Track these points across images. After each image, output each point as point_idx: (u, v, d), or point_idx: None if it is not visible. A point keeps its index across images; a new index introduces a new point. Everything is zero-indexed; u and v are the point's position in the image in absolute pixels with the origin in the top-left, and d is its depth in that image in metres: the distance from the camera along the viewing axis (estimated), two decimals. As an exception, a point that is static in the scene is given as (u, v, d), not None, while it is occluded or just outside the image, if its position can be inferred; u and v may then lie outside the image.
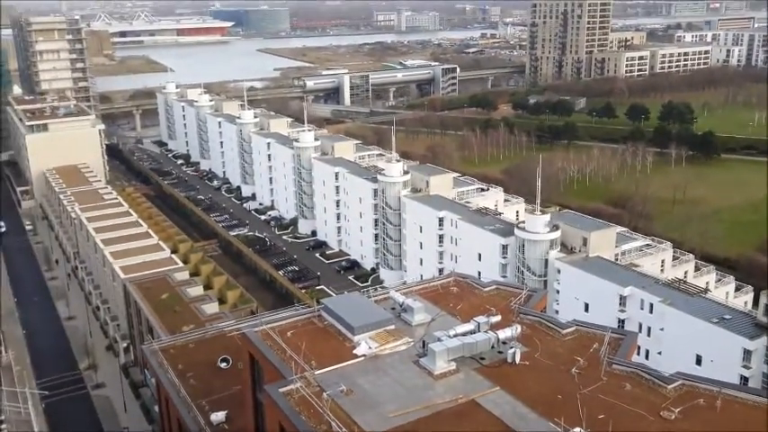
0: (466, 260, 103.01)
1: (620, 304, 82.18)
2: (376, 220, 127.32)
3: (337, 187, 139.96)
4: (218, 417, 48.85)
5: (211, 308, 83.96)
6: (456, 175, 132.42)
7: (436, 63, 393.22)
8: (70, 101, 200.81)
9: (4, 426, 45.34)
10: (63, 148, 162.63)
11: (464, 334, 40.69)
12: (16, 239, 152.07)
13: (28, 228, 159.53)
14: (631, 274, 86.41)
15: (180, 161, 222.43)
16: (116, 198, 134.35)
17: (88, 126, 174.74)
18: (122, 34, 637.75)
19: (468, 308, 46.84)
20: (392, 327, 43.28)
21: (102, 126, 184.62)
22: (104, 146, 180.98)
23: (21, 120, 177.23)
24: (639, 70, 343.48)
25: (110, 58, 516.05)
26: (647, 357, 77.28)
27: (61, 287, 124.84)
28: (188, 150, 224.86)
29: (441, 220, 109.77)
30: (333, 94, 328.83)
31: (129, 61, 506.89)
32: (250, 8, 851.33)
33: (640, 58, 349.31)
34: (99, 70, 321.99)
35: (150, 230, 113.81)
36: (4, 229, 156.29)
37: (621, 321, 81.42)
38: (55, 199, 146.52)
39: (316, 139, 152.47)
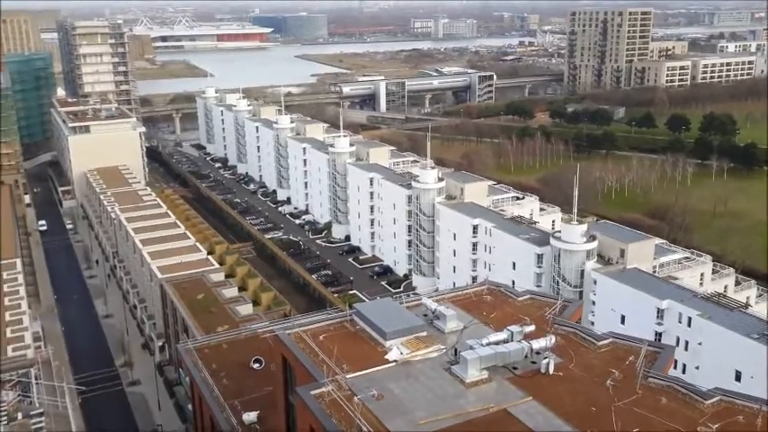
0: (500, 269, 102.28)
1: (658, 317, 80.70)
2: (410, 227, 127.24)
3: (371, 193, 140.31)
4: (249, 417, 49.25)
5: (246, 309, 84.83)
6: (491, 182, 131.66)
7: (473, 70, 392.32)
8: (112, 103, 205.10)
9: (42, 419, 46.36)
10: (104, 149, 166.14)
11: (497, 343, 40.38)
12: (57, 238, 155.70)
13: (68, 227, 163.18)
14: (669, 286, 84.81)
15: (218, 164, 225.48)
16: (155, 199, 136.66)
17: (129, 128, 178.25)
18: (163, 39, 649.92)
19: (502, 317, 46.53)
20: (424, 333, 43.20)
21: (143, 129, 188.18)
22: (144, 148, 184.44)
23: (64, 121, 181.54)
24: (680, 80, 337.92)
25: (151, 62, 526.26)
26: (684, 372, 75.71)
27: (100, 285, 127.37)
28: (226, 154, 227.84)
29: (475, 227, 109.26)
30: (369, 100, 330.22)
31: (169, 65, 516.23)
32: (289, 15, 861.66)
33: (681, 67, 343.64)
34: (140, 74, 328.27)
35: (187, 232, 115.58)
36: (45, 228, 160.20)
37: (658, 334, 79.94)
38: (95, 199, 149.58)
39: (351, 145, 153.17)
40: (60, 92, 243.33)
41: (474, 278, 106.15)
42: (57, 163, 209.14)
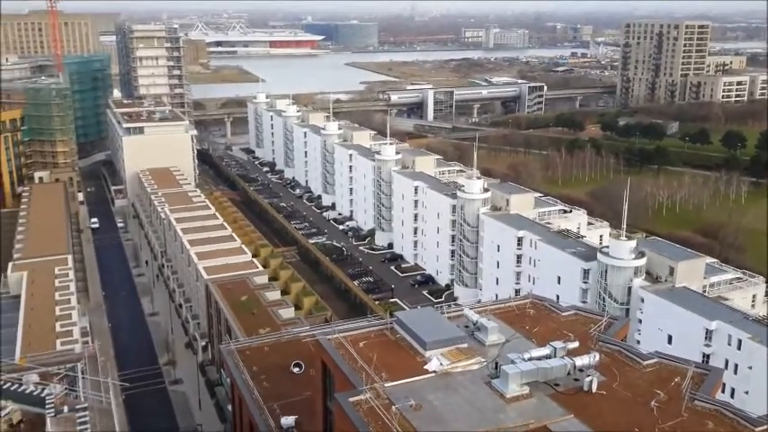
0: (544, 282, 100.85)
1: (706, 338, 78.47)
2: (453, 237, 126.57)
3: (416, 201, 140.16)
4: (288, 421, 49.41)
5: (287, 313, 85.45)
6: (538, 194, 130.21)
7: (523, 81, 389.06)
8: (166, 106, 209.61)
9: (87, 413, 47.34)
10: (157, 150, 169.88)
11: (539, 358, 39.68)
12: (108, 236, 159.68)
13: (119, 225, 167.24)
14: (719, 307, 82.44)
15: (265, 168, 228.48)
16: (204, 201, 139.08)
17: (182, 131, 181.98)
18: (218, 44, 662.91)
19: (545, 332, 45.74)
20: (465, 345, 42.74)
21: (195, 132, 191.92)
22: (195, 151, 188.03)
23: (119, 122, 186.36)
24: (737, 96, 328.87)
25: (205, 66, 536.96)
26: (732, 396, 73.37)
27: (147, 284, 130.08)
28: (274, 158, 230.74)
29: (520, 239, 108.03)
30: (416, 108, 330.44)
31: (222, 70, 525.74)
32: (340, 23, 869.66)
33: (739, 83, 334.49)
34: (194, 78, 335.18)
35: (234, 234, 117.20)
36: (97, 226, 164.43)
37: (706, 356, 77.68)
38: (146, 199, 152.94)
39: (397, 153, 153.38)
40: (116, 93, 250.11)
41: (517, 291, 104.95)
42: (110, 162, 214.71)
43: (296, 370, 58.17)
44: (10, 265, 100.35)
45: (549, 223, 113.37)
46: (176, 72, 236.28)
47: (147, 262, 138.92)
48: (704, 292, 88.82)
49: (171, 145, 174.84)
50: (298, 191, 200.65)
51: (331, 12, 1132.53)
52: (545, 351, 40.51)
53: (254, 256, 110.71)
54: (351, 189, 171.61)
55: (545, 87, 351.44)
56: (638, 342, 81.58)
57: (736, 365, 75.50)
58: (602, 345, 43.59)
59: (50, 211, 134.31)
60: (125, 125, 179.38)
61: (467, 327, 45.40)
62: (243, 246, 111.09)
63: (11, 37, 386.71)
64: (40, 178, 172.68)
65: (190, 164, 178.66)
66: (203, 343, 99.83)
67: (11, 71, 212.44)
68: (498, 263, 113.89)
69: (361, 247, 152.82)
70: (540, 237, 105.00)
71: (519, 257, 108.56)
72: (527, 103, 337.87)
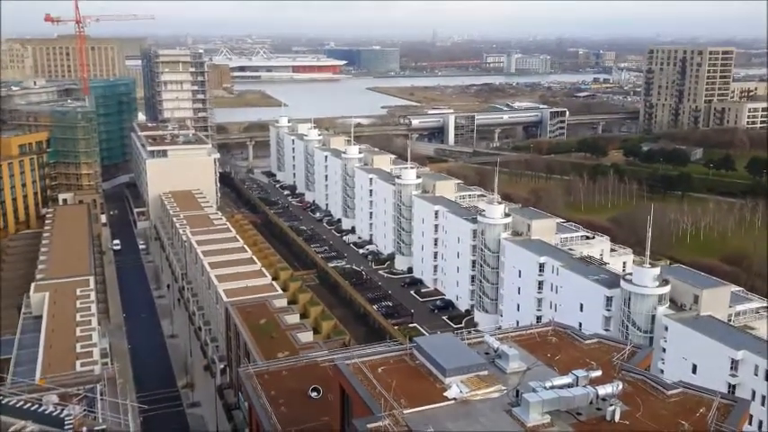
0: (566, 309, 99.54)
1: (732, 368, 76.71)
2: (473, 262, 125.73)
3: (436, 225, 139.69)
4: (304, 447, 48.91)
5: (306, 337, 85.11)
6: (560, 220, 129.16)
7: (545, 106, 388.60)
8: (190, 129, 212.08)
9: (104, 435, 47.24)
10: (180, 173, 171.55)
11: (561, 387, 38.96)
12: (130, 258, 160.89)
13: (141, 247, 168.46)
14: (746, 336, 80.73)
15: (286, 192, 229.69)
16: (225, 224, 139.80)
17: (204, 154, 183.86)
18: (241, 69, 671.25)
19: (567, 360, 44.97)
20: (485, 372, 42.10)
21: (218, 155, 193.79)
22: (218, 173, 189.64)
23: (143, 145, 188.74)
24: (762, 122, 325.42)
25: (228, 91, 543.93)
26: (759, 429, 71.48)
27: (167, 306, 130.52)
28: (294, 182, 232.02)
29: (541, 265, 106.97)
30: (437, 133, 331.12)
31: (246, 95, 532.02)
32: (363, 48, 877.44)
33: (764, 109, 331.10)
34: (218, 102, 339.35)
35: (254, 257, 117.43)
36: (119, 248, 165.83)
37: (732, 387, 75.90)
38: (168, 221, 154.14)
39: (417, 177, 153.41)
40: (141, 116, 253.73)
41: (539, 318, 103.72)
42: (134, 184, 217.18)
43: (314, 395, 57.74)
44: (33, 285, 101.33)
45: (571, 249, 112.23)
46: (200, 96, 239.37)
47: (168, 286, 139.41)
48: (730, 320, 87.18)
49: (194, 168, 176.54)
50: (318, 214, 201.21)
51: (353, 37, 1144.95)
52: (567, 379, 39.81)
53: (274, 278, 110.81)
54: (371, 213, 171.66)
55: (567, 112, 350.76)
56: (662, 371, 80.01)
57: (764, 397, 73.65)
58: (625, 374, 42.74)
59: (73, 233, 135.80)
60: (149, 148, 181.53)
61: (487, 354, 44.79)
62: (263, 269, 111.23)
63: (39, 61, 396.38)
64: (64, 200, 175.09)
65: (212, 186, 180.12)
66: (222, 366, 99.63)
67: (38, 94, 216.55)
68: (519, 289, 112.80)
69: (380, 271, 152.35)
70: (563, 263, 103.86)
71: (540, 284, 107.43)
72: (549, 128, 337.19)
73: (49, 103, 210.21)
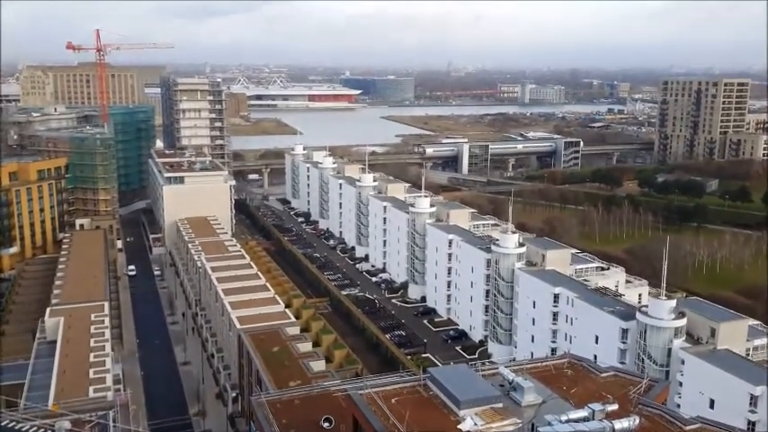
0: (581, 341, 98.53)
1: (751, 404, 75.30)
2: (487, 291, 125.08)
3: (450, 254, 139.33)
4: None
5: (318, 365, 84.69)
6: (574, 251, 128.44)
7: (559, 136, 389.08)
8: (206, 157, 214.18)
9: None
10: (196, 200, 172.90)
11: (577, 420, 38.50)
12: (144, 283, 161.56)
13: (156, 273, 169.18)
14: (764, 371, 79.30)
15: (300, 219, 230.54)
16: (239, 250, 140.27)
17: (221, 181, 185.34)
18: (258, 97, 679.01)
19: (583, 393, 44.47)
20: (500, 405, 41.73)
21: (234, 182, 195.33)
22: (233, 200, 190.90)
23: (160, 171, 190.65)
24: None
25: (245, 119, 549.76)
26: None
27: (180, 332, 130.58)
28: (309, 209, 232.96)
29: (556, 296, 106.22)
30: (451, 161, 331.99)
31: (262, 123, 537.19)
32: (378, 78, 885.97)
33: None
34: (234, 130, 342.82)
35: (268, 284, 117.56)
36: (134, 273, 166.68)
37: (751, 423, 74.47)
38: (183, 247, 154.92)
39: (431, 206, 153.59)
40: (159, 143, 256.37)
41: (553, 349, 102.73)
42: (150, 210, 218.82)
43: (326, 425, 57.16)
44: (48, 310, 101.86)
45: (586, 280, 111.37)
46: (218, 124, 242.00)
47: (183, 314, 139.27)
48: (748, 355, 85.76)
49: (210, 194, 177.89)
50: (332, 242, 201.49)
51: (369, 67, 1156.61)
52: (583, 413, 39.34)
53: (287, 306, 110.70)
54: (384, 241, 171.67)
55: (581, 143, 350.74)
56: (679, 406, 78.75)
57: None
58: (642, 408, 42.18)
59: (89, 258, 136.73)
60: (166, 174, 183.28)
61: (502, 386, 44.41)
62: (276, 296, 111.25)
63: (60, 87, 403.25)
64: (81, 225, 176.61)
65: (227, 213, 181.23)
66: (234, 394, 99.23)
67: (58, 120, 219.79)
68: (534, 320, 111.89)
69: (393, 300, 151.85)
70: (578, 294, 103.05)
71: (555, 315, 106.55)
72: (563, 158, 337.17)
73: (68, 129, 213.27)
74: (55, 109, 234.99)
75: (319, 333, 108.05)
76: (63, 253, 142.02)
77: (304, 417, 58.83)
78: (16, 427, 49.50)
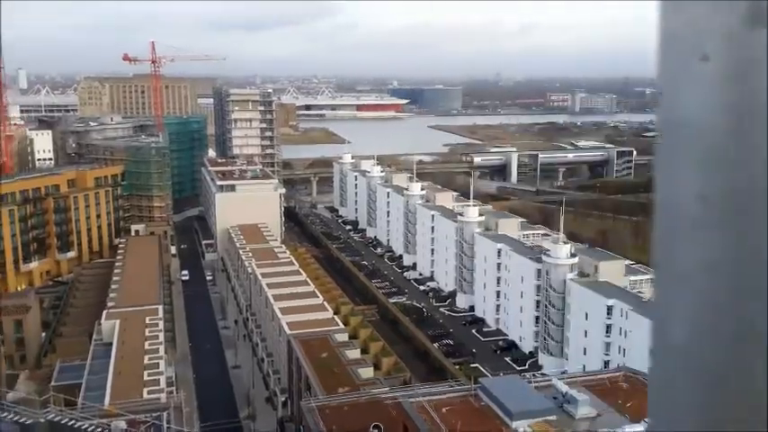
0: (636, 355, 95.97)
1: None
2: (538, 302, 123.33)
3: (499, 264, 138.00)
4: (366, 485, 48.39)
5: (367, 372, 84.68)
6: (628, 262, 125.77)
7: (611, 145, 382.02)
8: (257, 165, 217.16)
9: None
10: (247, 207, 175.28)
11: (634, 434, 37.60)
12: (197, 288, 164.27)
13: (208, 278, 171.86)
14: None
15: (348, 227, 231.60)
16: (289, 257, 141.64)
17: (271, 189, 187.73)
18: (307, 107, 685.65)
19: (639, 407, 43.28)
20: (553, 417, 41.06)
21: (283, 190, 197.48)
22: (283, 208, 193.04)
23: (212, 179, 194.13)
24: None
25: (294, 128, 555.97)
26: None
27: (231, 337, 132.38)
28: (356, 217, 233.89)
29: (609, 308, 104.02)
30: (500, 171, 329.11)
31: (311, 132, 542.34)
32: (426, 87, 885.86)
33: None
34: (284, 139, 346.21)
35: (316, 290, 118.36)
36: (187, 278, 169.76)
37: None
38: (234, 253, 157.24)
39: (480, 215, 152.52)
40: (211, 152, 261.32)
41: (606, 362, 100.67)
42: (202, 218, 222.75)
43: (375, 432, 57.13)
44: (104, 313, 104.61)
45: (640, 293, 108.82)
46: (268, 134, 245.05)
47: (236, 321, 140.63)
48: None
49: (260, 202, 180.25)
50: (379, 250, 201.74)
51: (416, 77, 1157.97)
52: (639, 428, 38.33)
53: (335, 313, 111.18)
54: (432, 250, 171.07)
55: (634, 152, 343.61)
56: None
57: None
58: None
59: (144, 263, 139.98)
60: (218, 182, 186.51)
61: (555, 398, 43.65)
62: (325, 302, 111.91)
63: (116, 98, 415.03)
64: (137, 231, 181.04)
65: (277, 221, 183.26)
66: (283, 398, 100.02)
67: (114, 130, 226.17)
68: (586, 332, 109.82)
69: (441, 309, 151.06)
70: (632, 306, 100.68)
71: (608, 327, 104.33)
72: (615, 167, 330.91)
73: (124, 138, 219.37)
74: (111, 119, 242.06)
75: (367, 340, 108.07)
76: (119, 258, 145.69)
77: (353, 423, 58.90)
78: (75, 426, 50.86)
